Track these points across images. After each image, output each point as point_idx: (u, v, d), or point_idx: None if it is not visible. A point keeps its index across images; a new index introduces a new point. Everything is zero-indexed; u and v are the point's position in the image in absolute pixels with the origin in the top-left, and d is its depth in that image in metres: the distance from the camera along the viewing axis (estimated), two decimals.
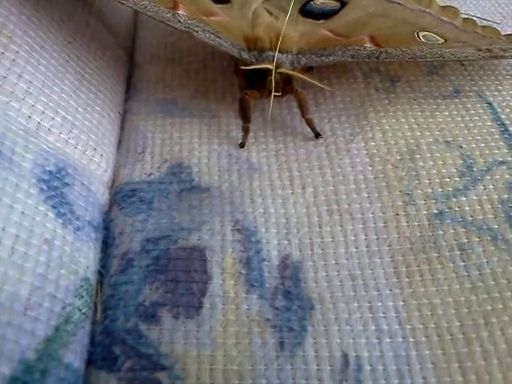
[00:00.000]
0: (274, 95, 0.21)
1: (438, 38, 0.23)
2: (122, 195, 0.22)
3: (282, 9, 0.25)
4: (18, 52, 0.20)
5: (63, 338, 0.17)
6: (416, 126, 0.23)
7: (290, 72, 0.22)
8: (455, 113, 0.23)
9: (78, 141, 0.21)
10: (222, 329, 0.18)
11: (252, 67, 0.21)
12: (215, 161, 0.22)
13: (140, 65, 0.27)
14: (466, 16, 0.25)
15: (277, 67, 0.21)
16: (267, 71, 0.21)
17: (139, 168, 0.22)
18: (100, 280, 0.19)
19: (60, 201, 0.19)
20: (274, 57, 0.21)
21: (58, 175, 0.19)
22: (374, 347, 0.17)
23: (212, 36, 0.22)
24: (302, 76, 0.22)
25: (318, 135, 0.22)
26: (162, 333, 0.18)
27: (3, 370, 0.14)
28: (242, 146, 0.22)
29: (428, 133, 0.22)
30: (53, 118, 0.20)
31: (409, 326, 0.18)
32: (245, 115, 0.22)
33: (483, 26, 0.25)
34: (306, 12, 0.25)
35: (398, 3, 0.25)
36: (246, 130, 0.22)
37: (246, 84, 0.22)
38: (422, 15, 0.24)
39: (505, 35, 0.25)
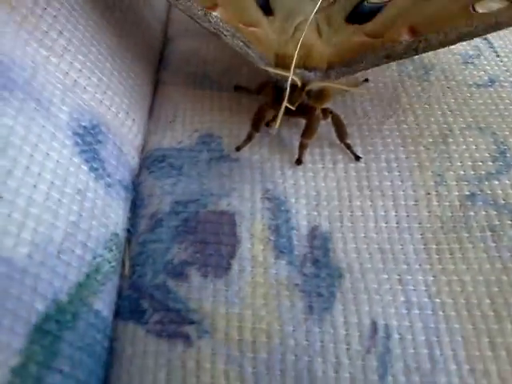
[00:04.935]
0: (290, 111, 0.20)
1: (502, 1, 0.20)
2: (151, 160, 0.22)
3: (328, 20, 0.24)
4: (59, 9, 0.20)
5: (93, 285, 0.16)
6: (449, 112, 0.23)
7: (319, 84, 0.20)
8: (489, 101, 0.23)
9: (111, 102, 0.21)
10: (251, 290, 0.17)
11: (273, 70, 0.20)
12: (245, 133, 0.22)
13: (173, 38, 0.27)
14: None
15: (304, 84, 0.20)
16: (292, 91, 0.20)
17: (169, 135, 0.22)
18: (128, 238, 0.19)
19: (93, 156, 0.19)
20: (300, 74, 0.20)
21: (91, 131, 0.19)
22: (403, 317, 0.17)
23: (241, 44, 0.21)
24: (331, 84, 0.21)
25: (357, 158, 0.21)
26: (190, 290, 0.17)
27: (37, 306, 0.14)
28: (237, 149, 0.21)
29: (461, 119, 0.22)
30: (89, 78, 0.20)
31: (438, 300, 0.18)
32: (256, 123, 0.21)
33: None
34: (355, 15, 0.24)
35: None
36: (249, 137, 0.21)
37: (272, 98, 0.21)
38: None
39: None
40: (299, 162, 0.21)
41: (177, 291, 0.17)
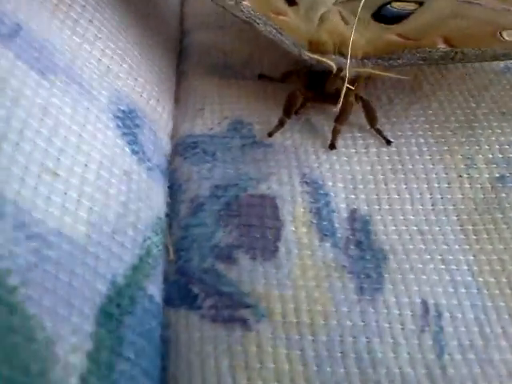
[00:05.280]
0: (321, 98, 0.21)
1: None
2: (184, 146, 0.21)
3: (354, 13, 0.24)
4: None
5: (146, 269, 0.16)
6: (471, 98, 0.23)
7: (357, 69, 0.21)
8: (508, 87, 0.24)
9: (143, 89, 0.21)
10: (301, 272, 0.17)
11: (314, 57, 0.21)
12: (275, 120, 0.22)
13: (190, 31, 0.27)
14: None
15: (340, 70, 0.20)
16: (327, 78, 0.20)
17: (200, 123, 0.22)
18: (169, 223, 0.19)
19: (133, 139, 0.18)
20: (336, 60, 0.20)
21: (129, 115, 0.19)
22: (451, 296, 0.17)
23: (274, 31, 0.21)
24: (373, 71, 0.21)
25: (389, 142, 0.22)
26: (240, 273, 0.17)
27: (100, 287, 0.14)
28: (269, 135, 0.21)
29: (483, 104, 0.23)
30: (120, 65, 0.20)
31: (481, 279, 0.18)
32: (288, 109, 0.21)
33: None
34: (380, 16, 0.24)
35: (478, 3, 0.23)
36: (281, 123, 0.21)
37: (304, 85, 0.21)
38: (506, 15, 0.23)
39: None
40: (333, 146, 0.21)
41: (227, 275, 0.17)
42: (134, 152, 0.18)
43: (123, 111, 0.19)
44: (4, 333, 0.11)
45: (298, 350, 0.16)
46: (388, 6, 0.25)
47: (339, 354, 0.16)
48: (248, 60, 0.25)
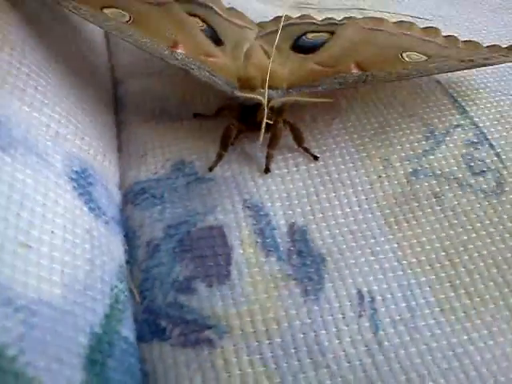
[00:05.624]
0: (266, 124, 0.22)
1: (421, 56, 0.25)
2: (133, 194, 0.24)
3: (277, 48, 0.26)
4: (30, 67, 0.22)
5: (117, 315, 0.19)
6: (382, 107, 0.27)
7: (284, 99, 0.24)
8: (412, 92, 0.27)
9: (89, 147, 0.23)
10: (253, 288, 0.20)
11: (244, 95, 0.23)
12: (213, 155, 0.25)
13: (122, 81, 0.30)
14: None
15: (268, 101, 0.23)
16: (258, 109, 0.23)
17: (144, 169, 0.25)
18: (129, 269, 0.21)
19: (89, 198, 0.21)
20: (264, 93, 0.23)
21: (82, 175, 0.21)
22: (381, 282, 0.20)
23: (207, 74, 0.24)
24: (296, 98, 0.24)
25: (316, 158, 0.24)
26: (200, 300, 0.20)
27: (82, 340, 0.16)
28: (210, 170, 0.24)
29: (392, 110, 0.26)
30: (67, 127, 0.22)
31: (405, 262, 0.21)
32: (224, 143, 0.24)
33: (465, 41, 0.27)
34: (297, 47, 0.28)
35: (380, 30, 0.28)
36: (219, 157, 0.24)
37: (237, 118, 0.24)
38: (403, 38, 0.27)
39: (486, 46, 0.27)
40: (267, 170, 0.24)
41: (189, 304, 0.20)
42: (91, 209, 0.20)
43: (76, 172, 0.21)
44: None
45: (257, 354, 0.18)
46: (303, 37, 0.28)
47: (293, 350, 0.19)
48: (182, 102, 0.28)
